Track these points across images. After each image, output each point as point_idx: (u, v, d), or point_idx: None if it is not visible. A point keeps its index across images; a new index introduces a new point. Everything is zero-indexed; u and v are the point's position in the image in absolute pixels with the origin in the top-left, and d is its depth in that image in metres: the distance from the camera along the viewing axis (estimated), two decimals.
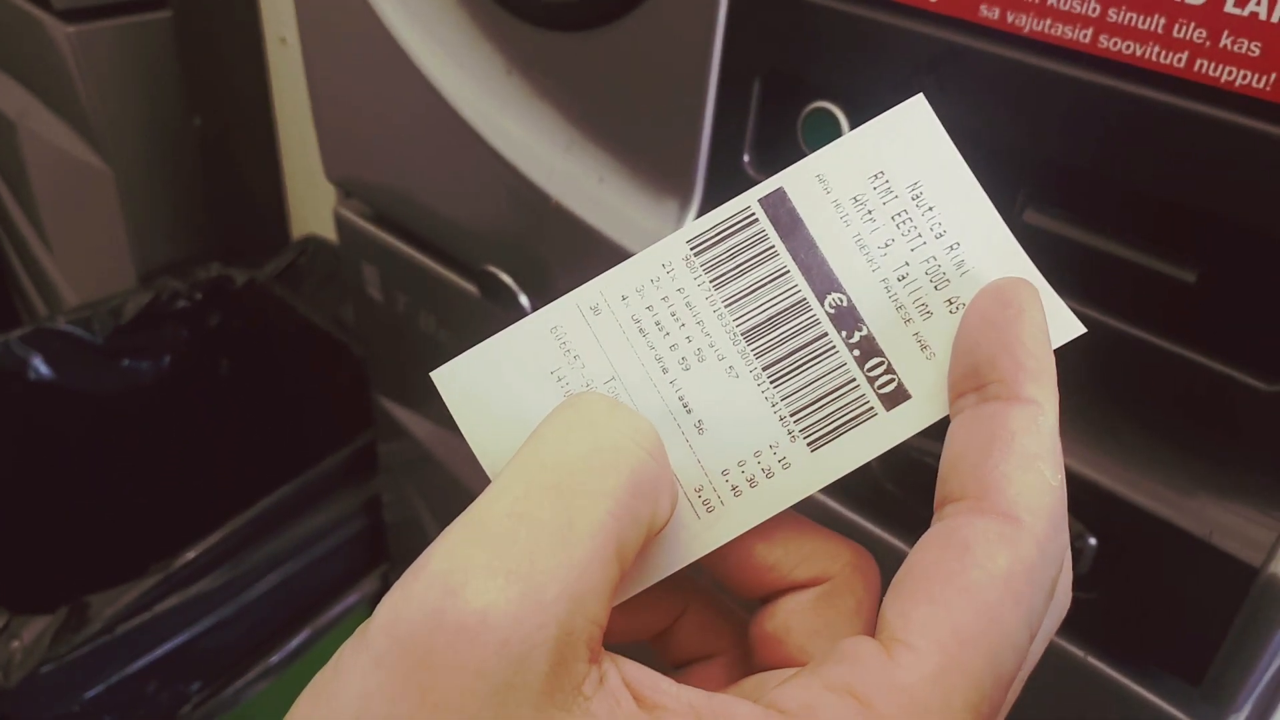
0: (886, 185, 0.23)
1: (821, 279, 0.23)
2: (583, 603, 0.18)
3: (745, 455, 0.23)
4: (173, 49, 1.13)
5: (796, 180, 0.23)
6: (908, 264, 0.23)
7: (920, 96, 0.23)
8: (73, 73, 1.11)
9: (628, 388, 0.23)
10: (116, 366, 1.09)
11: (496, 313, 0.56)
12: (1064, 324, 0.23)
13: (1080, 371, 0.33)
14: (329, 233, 1.14)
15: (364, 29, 0.54)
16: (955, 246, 0.23)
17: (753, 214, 0.23)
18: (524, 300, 0.54)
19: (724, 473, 0.23)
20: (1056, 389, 0.21)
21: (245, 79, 1.15)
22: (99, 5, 1.09)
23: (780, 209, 0.23)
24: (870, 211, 0.23)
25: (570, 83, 0.48)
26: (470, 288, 0.58)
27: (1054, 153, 0.33)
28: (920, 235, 0.23)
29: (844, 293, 0.23)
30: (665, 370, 0.23)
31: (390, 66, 0.53)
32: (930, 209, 0.23)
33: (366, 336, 0.75)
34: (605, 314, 0.23)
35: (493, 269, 0.55)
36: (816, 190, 0.23)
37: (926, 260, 0.23)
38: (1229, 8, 0.28)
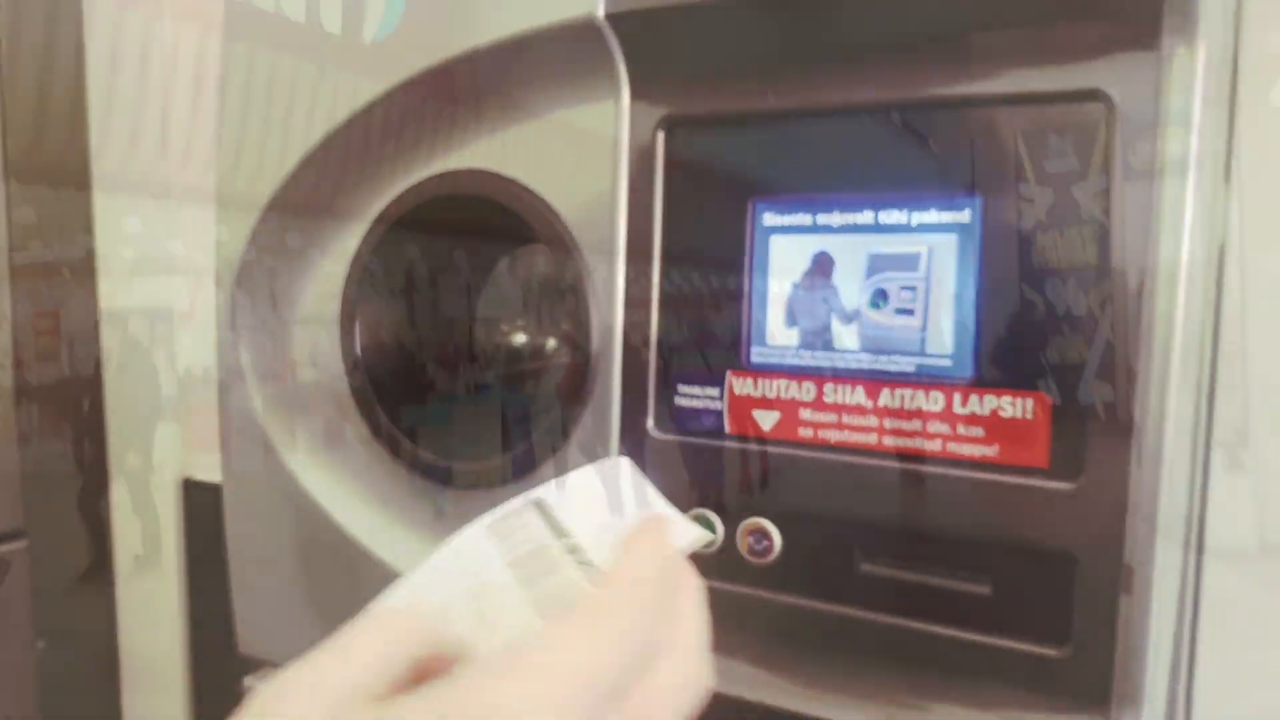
0: (602, 490, 0.39)
1: (559, 531, 0.37)
2: None
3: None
4: (27, 576, 1.16)
5: (547, 490, 0.38)
6: (614, 521, 0.38)
7: (625, 458, 0.40)
8: None
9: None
10: None
11: None
12: (693, 535, 0.37)
13: (914, 670, 0.44)
14: None
15: (288, 494, 0.64)
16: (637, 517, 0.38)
17: (523, 506, 0.38)
18: None
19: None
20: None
21: (93, 606, 1.18)
22: None
23: (542, 504, 0.38)
24: (594, 499, 0.38)
25: None
26: None
27: (869, 517, 0.46)
28: (621, 513, 0.38)
29: (570, 536, 0.37)
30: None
31: (315, 529, 0.63)
32: (627, 501, 0.38)
33: None
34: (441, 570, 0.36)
35: None
36: (559, 492, 0.38)
37: (627, 520, 0.38)
38: (957, 409, 0.44)
